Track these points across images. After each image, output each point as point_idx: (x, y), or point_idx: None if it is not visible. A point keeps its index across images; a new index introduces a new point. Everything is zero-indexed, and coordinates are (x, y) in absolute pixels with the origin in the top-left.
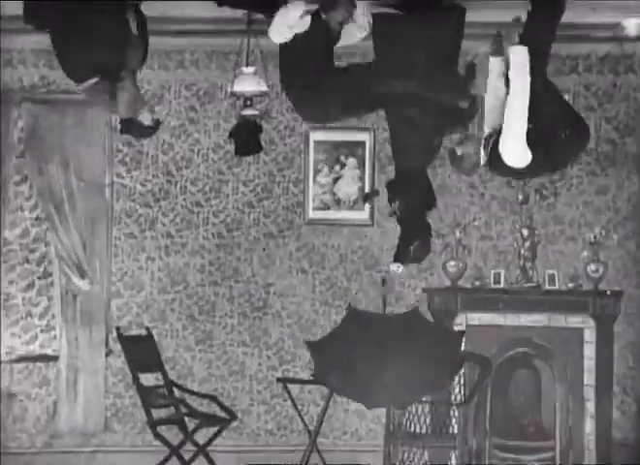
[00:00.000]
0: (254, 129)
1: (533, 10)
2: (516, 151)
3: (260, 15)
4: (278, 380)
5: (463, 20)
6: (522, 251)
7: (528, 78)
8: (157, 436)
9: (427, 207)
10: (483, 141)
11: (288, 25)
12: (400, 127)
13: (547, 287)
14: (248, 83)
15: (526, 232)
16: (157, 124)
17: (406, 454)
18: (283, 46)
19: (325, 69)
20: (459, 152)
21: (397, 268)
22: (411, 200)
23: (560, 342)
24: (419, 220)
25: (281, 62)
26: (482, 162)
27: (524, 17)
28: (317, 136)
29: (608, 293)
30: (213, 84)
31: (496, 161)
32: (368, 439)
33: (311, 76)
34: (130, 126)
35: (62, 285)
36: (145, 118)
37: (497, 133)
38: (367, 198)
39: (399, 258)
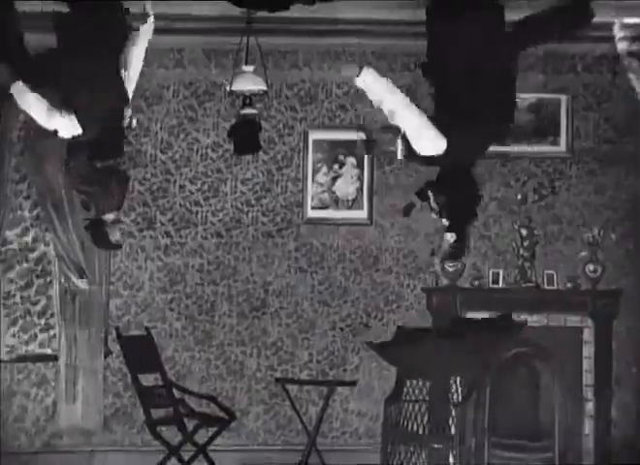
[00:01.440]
0: (253, 128)
1: None
2: (428, 141)
3: (260, 14)
4: (277, 380)
5: (503, 18)
6: (520, 251)
7: (389, 93)
8: (156, 436)
9: (472, 205)
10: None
11: None
12: (448, 123)
13: (545, 287)
14: (247, 82)
15: (524, 231)
16: (118, 246)
17: (404, 454)
18: None
19: None
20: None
21: (450, 238)
22: (457, 197)
23: (559, 342)
24: (463, 218)
25: None
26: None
27: None
28: (316, 135)
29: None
30: (212, 83)
31: (411, 155)
32: (367, 438)
33: None
34: (95, 229)
35: (61, 284)
36: (113, 234)
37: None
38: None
39: (451, 229)
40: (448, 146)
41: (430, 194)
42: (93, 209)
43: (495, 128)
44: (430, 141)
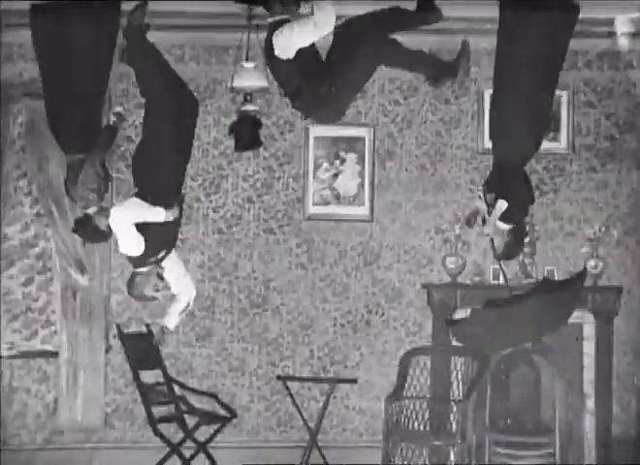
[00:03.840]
0: (254, 124)
1: None
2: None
3: (260, 10)
4: (278, 377)
5: (576, 18)
6: None
7: None
8: (157, 434)
9: (525, 203)
10: None
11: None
12: (501, 121)
13: None
14: (248, 78)
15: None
16: (110, 233)
17: (405, 452)
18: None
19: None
20: None
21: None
22: (509, 196)
23: (560, 338)
24: (517, 217)
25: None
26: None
27: None
28: (317, 131)
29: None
30: (213, 79)
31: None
32: (368, 435)
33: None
34: (84, 227)
35: (62, 280)
36: (101, 223)
37: None
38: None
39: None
40: (500, 144)
41: (482, 194)
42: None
43: (545, 123)
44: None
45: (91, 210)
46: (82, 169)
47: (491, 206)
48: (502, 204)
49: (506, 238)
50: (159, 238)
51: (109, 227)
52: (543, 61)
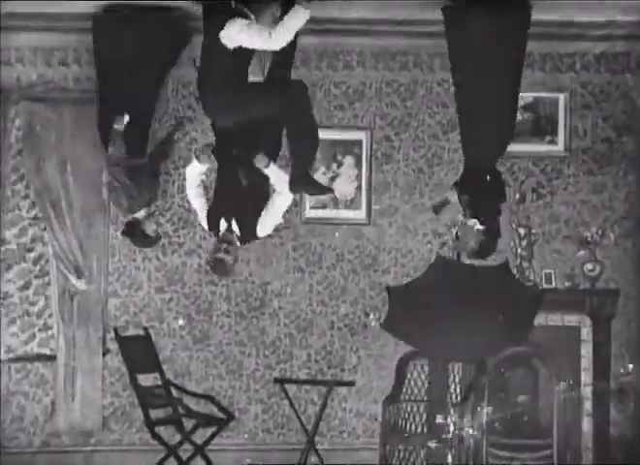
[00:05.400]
0: None
1: None
2: None
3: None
4: (276, 380)
5: (529, 17)
6: (518, 250)
7: None
8: (155, 436)
9: (496, 202)
10: None
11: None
12: (470, 122)
13: (544, 286)
14: None
15: (522, 231)
16: (158, 239)
17: (402, 453)
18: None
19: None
20: None
21: (473, 224)
22: (480, 195)
23: (558, 341)
24: (488, 216)
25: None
26: None
27: None
28: None
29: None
30: None
31: None
32: (366, 438)
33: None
34: (133, 231)
35: (59, 284)
36: (149, 228)
37: None
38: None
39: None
40: (469, 145)
41: (455, 193)
42: (124, 206)
43: (511, 125)
44: None
45: (139, 215)
46: (127, 173)
47: (464, 208)
48: (475, 224)
49: (481, 238)
50: None
51: (156, 232)
52: (499, 66)
